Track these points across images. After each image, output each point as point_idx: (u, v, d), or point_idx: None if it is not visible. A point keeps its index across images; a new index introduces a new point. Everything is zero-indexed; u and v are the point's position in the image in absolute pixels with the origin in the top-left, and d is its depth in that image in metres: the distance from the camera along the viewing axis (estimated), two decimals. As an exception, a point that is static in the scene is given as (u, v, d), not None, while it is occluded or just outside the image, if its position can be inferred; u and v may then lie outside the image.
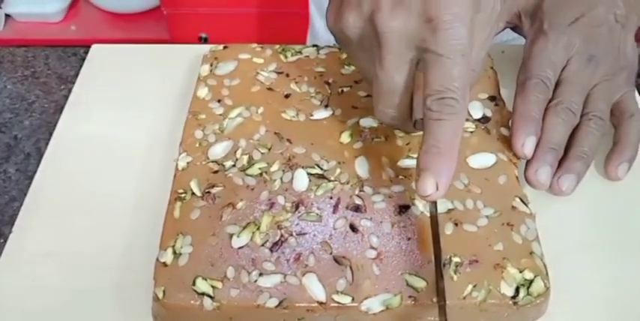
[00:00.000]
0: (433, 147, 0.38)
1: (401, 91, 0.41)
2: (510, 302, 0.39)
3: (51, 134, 0.52)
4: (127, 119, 0.53)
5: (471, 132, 0.47)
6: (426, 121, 0.38)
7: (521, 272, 0.40)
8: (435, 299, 0.39)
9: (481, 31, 0.41)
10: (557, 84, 0.49)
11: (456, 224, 0.42)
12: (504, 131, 0.48)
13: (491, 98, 0.50)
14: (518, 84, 0.49)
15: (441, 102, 0.38)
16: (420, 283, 0.39)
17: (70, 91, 0.56)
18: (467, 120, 0.48)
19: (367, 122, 0.48)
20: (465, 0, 0.38)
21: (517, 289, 0.39)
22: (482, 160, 0.46)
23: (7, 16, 1.49)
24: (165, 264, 0.40)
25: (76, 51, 0.62)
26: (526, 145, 0.46)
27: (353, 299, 0.39)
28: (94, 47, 0.59)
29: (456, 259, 0.40)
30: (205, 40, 1.35)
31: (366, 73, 0.43)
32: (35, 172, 0.50)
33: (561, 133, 0.47)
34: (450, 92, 0.38)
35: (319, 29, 0.80)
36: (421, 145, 0.39)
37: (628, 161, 0.48)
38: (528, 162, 0.46)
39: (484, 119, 0.49)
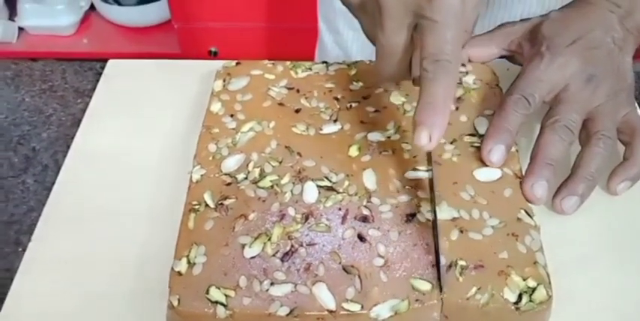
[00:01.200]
0: (428, 104, 0.42)
1: (400, 52, 0.45)
2: (513, 307, 0.40)
3: (68, 146, 0.54)
4: (143, 132, 0.55)
5: (478, 147, 0.49)
6: (422, 80, 0.43)
7: (524, 280, 0.41)
8: (439, 297, 0.40)
9: None
10: (556, 103, 0.50)
11: (461, 231, 0.43)
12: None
13: (497, 114, 0.52)
14: (501, 101, 0.50)
15: (435, 64, 0.42)
16: (426, 286, 0.40)
17: (86, 104, 0.58)
18: (473, 135, 0.49)
19: (375, 136, 0.49)
20: None
21: (520, 296, 0.41)
22: (488, 173, 0.47)
23: (20, 29, 1.53)
24: (179, 273, 0.41)
25: (92, 65, 0.64)
26: (493, 152, 0.47)
27: (362, 307, 0.40)
28: (111, 62, 0.61)
29: (461, 263, 0.41)
30: (215, 54, 1.37)
31: (370, 35, 0.47)
32: (53, 183, 0.51)
33: (558, 150, 0.48)
34: (443, 55, 0.42)
35: (327, 44, 0.82)
36: (417, 101, 0.42)
37: (632, 179, 0.49)
38: (525, 176, 0.47)
39: (490, 135, 0.50)
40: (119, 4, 1.51)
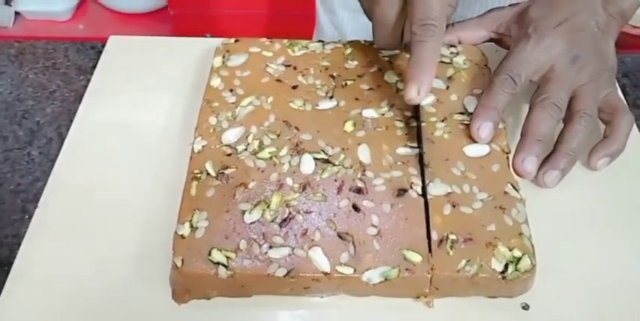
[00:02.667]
0: (417, 62, 0.48)
1: (393, 22, 0.51)
2: (499, 277, 0.43)
3: (71, 121, 0.56)
4: (144, 106, 0.56)
5: (467, 124, 0.50)
6: (412, 43, 0.48)
7: (510, 250, 0.43)
8: (429, 269, 0.42)
9: None
10: (544, 82, 0.52)
11: (454, 206, 0.45)
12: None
13: (486, 94, 0.54)
14: (489, 81, 0.52)
15: (423, 27, 0.47)
16: (416, 258, 0.43)
17: (88, 81, 0.60)
18: (462, 114, 0.51)
19: (369, 113, 0.51)
20: None
21: (506, 266, 0.43)
22: (477, 149, 0.49)
23: (17, 13, 1.53)
24: (182, 236, 0.43)
25: (94, 44, 0.66)
26: (481, 129, 0.49)
27: (355, 271, 0.42)
28: (112, 38, 0.62)
29: (452, 237, 0.44)
30: (210, 40, 1.39)
31: (367, 10, 0.52)
32: (57, 155, 0.53)
33: (548, 127, 0.50)
34: (430, 20, 0.47)
35: (324, 25, 0.83)
36: (408, 61, 0.48)
37: (611, 156, 0.52)
38: (516, 152, 0.49)
39: (479, 113, 0.52)
40: (115, -11, 1.51)
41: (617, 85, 0.54)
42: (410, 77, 0.47)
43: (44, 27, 1.51)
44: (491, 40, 0.58)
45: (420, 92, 0.47)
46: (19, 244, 0.47)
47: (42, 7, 1.49)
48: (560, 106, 0.50)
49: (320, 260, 0.42)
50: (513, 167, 0.49)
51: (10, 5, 1.51)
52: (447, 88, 0.53)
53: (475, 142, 0.50)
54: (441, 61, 0.55)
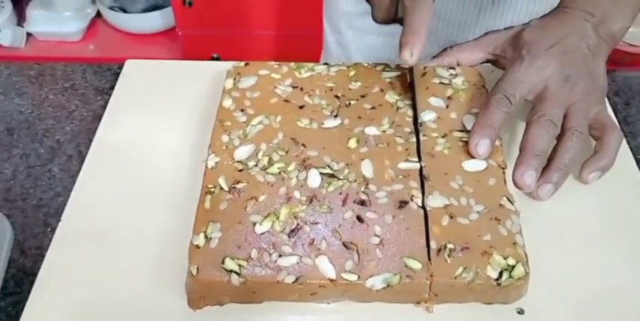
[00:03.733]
0: (409, 30, 0.53)
1: (387, 1, 0.56)
2: (494, 283, 0.45)
3: (90, 139, 0.59)
4: (160, 126, 0.60)
5: (466, 141, 0.53)
6: (403, 15, 0.54)
7: (505, 259, 0.46)
8: (429, 276, 0.45)
9: None
10: (539, 101, 0.54)
11: (451, 217, 0.48)
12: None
13: (483, 112, 0.56)
14: (485, 100, 0.55)
15: (412, 0, 0.53)
16: (417, 265, 0.45)
17: (105, 101, 0.63)
18: (461, 131, 0.54)
19: (371, 130, 0.54)
20: None
21: (501, 273, 0.46)
22: (475, 164, 0.52)
23: (29, 34, 1.57)
24: (198, 246, 0.46)
25: (110, 66, 0.69)
26: (479, 145, 0.52)
27: (359, 277, 0.45)
28: (128, 62, 0.66)
29: (450, 246, 0.46)
30: (217, 60, 1.42)
31: None
32: (77, 171, 0.56)
33: (544, 142, 0.53)
34: None
35: (330, 44, 0.87)
36: (402, 30, 0.54)
37: (602, 170, 0.55)
38: (516, 167, 0.52)
39: (476, 130, 0.55)
40: (125, 11, 1.55)
41: (607, 103, 0.57)
42: (403, 43, 0.53)
43: (55, 47, 1.55)
44: (488, 61, 0.61)
45: (413, 54, 0.53)
46: (43, 256, 0.50)
47: (53, 28, 1.54)
48: (556, 122, 0.53)
49: (326, 268, 0.45)
50: (513, 181, 0.52)
51: (22, 26, 1.55)
52: (447, 106, 0.56)
53: (473, 157, 0.52)
54: (441, 82, 0.58)
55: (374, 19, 0.58)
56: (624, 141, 0.57)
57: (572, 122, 0.54)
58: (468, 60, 0.60)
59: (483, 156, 0.52)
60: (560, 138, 0.54)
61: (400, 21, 0.56)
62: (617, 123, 0.56)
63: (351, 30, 0.84)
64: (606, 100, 0.57)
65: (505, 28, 0.60)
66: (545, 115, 0.53)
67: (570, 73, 0.54)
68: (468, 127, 0.54)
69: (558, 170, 0.52)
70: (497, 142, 0.53)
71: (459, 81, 0.59)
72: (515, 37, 0.58)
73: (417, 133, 0.54)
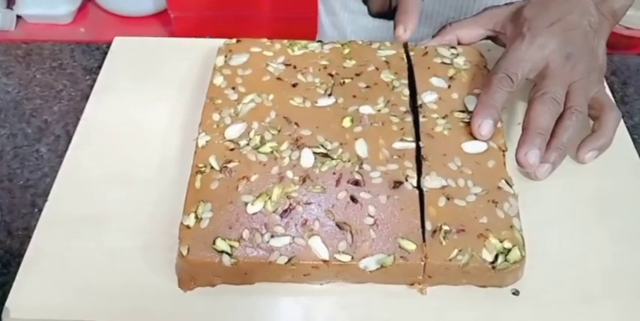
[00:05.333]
0: (402, 10, 0.57)
1: None
2: (489, 266, 0.45)
3: (78, 119, 0.58)
4: (148, 104, 0.58)
5: (467, 122, 0.52)
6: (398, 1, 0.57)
7: (501, 242, 0.45)
8: (423, 257, 0.44)
9: None
10: (541, 79, 0.53)
11: (448, 198, 0.47)
12: (496, 123, 0.53)
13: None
14: (487, 79, 0.54)
15: None
16: (411, 246, 0.45)
17: (94, 81, 0.62)
18: (463, 112, 0.53)
19: (366, 109, 0.53)
20: None
21: (496, 256, 0.45)
22: (475, 146, 0.51)
23: (19, 17, 1.55)
24: (188, 226, 0.45)
25: (99, 46, 0.68)
26: (482, 126, 0.51)
27: (352, 258, 0.44)
28: (117, 39, 0.64)
29: (445, 227, 0.46)
30: (210, 42, 1.40)
31: None
32: (64, 151, 0.55)
33: (547, 120, 0.52)
34: None
35: (325, 25, 0.85)
36: (397, 11, 0.57)
37: (599, 149, 0.54)
38: (519, 145, 0.51)
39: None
40: (116, -7, 1.53)
41: (605, 83, 0.56)
42: (397, 21, 0.57)
43: (46, 30, 1.53)
44: (487, 37, 0.60)
45: (407, 30, 0.57)
46: (30, 237, 0.49)
47: (43, 11, 1.52)
48: (559, 100, 0.52)
49: (319, 248, 0.44)
50: (517, 160, 0.51)
51: (11, 9, 1.53)
52: (449, 87, 0.55)
53: (474, 139, 0.51)
54: (443, 62, 0.57)
55: (370, 12, 0.61)
56: (622, 121, 0.56)
57: (573, 101, 0.53)
58: (467, 37, 0.59)
59: (486, 137, 0.51)
60: (559, 117, 0.53)
61: (393, 15, 0.58)
62: (614, 103, 0.56)
63: (346, 11, 0.82)
64: (604, 79, 0.57)
65: (505, 4, 0.59)
66: (548, 92, 0.52)
67: (572, 50, 0.53)
68: (470, 108, 0.53)
69: (556, 150, 0.52)
70: (499, 124, 0.52)
71: (460, 61, 0.57)
72: (516, 13, 0.57)
73: (415, 112, 0.53)
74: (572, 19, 0.55)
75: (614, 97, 0.60)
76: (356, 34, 0.82)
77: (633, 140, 0.57)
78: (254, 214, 0.46)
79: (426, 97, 0.54)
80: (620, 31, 1.34)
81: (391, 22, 0.55)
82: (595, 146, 0.54)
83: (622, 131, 0.57)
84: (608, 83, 0.61)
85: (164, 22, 1.51)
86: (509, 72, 0.53)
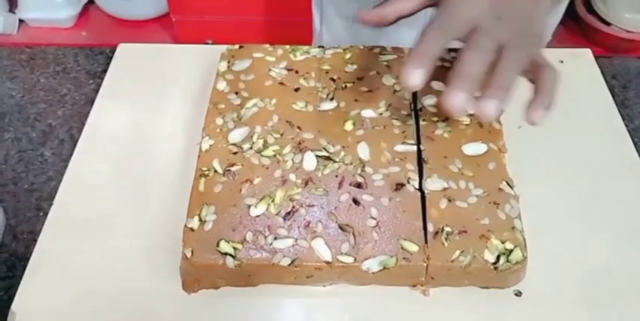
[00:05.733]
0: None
1: None
2: (491, 267, 0.45)
3: (82, 123, 0.58)
4: (152, 109, 0.59)
5: (467, 125, 0.53)
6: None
7: (503, 243, 0.46)
8: (424, 260, 0.45)
9: None
10: (471, 34, 0.50)
11: (450, 200, 0.48)
12: (496, 125, 0.53)
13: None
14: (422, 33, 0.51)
15: None
16: (413, 247, 0.45)
17: (98, 85, 0.63)
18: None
19: (368, 113, 0.54)
20: None
21: (498, 257, 0.45)
22: (475, 148, 0.51)
23: (21, 21, 1.55)
24: (192, 229, 0.45)
25: (103, 50, 0.68)
26: (414, 75, 0.48)
27: (355, 260, 0.45)
28: (121, 46, 0.65)
29: (447, 229, 0.46)
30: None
31: None
32: (69, 155, 0.56)
33: (476, 67, 0.48)
34: None
35: (320, 32, 0.86)
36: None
37: (546, 107, 0.50)
38: (445, 91, 0.48)
39: (478, 114, 0.54)
40: (117, -3, 1.53)
41: (543, 49, 0.53)
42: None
43: (48, 34, 1.53)
44: (429, 6, 0.56)
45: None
46: (35, 240, 0.50)
47: (45, 15, 1.52)
48: (488, 50, 0.49)
49: (322, 250, 0.45)
50: (443, 106, 0.48)
51: (14, 13, 1.54)
52: None
53: (474, 141, 0.51)
54: (442, 66, 0.57)
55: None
56: (622, 124, 0.57)
57: (506, 54, 0.50)
58: (408, 8, 0.56)
59: (416, 87, 0.48)
60: (495, 67, 0.49)
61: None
62: (551, 62, 0.52)
63: (340, 18, 0.82)
64: (544, 46, 0.54)
65: None
66: (478, 43, 0.49)
67: (503, 11, 0.51)
68: (470, 111, 0.53)
69: (499, 88, 0.48)
70: (498, 126, 0.53)
71: None
72: None
73: (416, 116, 0.53)
74: None
75: (615, 100, 0.61)
76: (352, 40, 0.81)
77: (634, 143, 0.57)
78: (257, 216, 0.46)
79: (426, 101, 0.54)
80: (620, 34, 1.34)
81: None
82: (542, 104, 0.50)
83: (623, 134, 0.57)
84: (608, 87, 0.62)
85: (165, 26, 1.51)
86: (442, 24, 0.50)
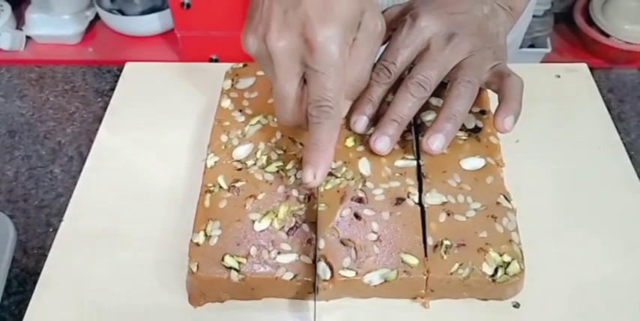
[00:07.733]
0: (313, 145, 0.47)
1: (292, 98, 0.48)
2: (490, 279, 0.46)
3: (91, 140, 0.60)
4: (159, 126, 0.61)
5: (465, 140, 0.54)
6: (309, 124, 0.47)
7: (500, 256, 0.47)
8: (424, 273, 0.46)
9: (363, 47, 0.48)
10: (417, 62, 0.51)
11: (448, 214, 0.49)
12: (493, 140, 0.54)
13: (482, 112, 0.56)
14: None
15: (318, 109, 0.46)
16: (413, 261, 0.46)
17: (105, 103, 0.64)
18: (461, 130, 0.54)
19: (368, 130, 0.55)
20: (339, 24, 0.45)
21: (496, 269, 0.46)
22: (473, 163, 0.52)
23: (28, 38, 1.58)
24: (198, 244, 0.47)
25: (110, 68, 0.70)
26: (357, 122, 0.52)
27: (357, 274, 0.46)
28: (128, 65, 0.67)
29: (446, 242, 0.47)
30: (216, 61, 1.43)
31: (271, 83, 0.49)
32: (78, 172, 0.57)
33: (406, 106, 0.50)
34: (325, 101, 0.46)
35: None
36: (306, 143, 0.47)
37: (514, 114, 0.51)
38: (373, 132, 0.51)
39: (476, 129, 0.55)
40: (123, 13, 1.55)
41: (506, 60, 0.54)
42: (306, 160, 0.47)
43: (54, 50, 1.56)
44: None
45: (317, 176, 0.46)
46: (45, 255, 0.51)
47: (52, 31, 1.54)
48: (425, 84, 0.50)
49: (324, 265, 0.46)
50: (369, 144, 0.51)
51: (21, 29, 1.56)
52: None
53: (472, 156, 0.52)
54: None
55: (277, 117, 0.51)
56: (619, 137, 0.58)
57: (458, 73, 0.51)
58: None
59: (360, 131, 0.52)
60: (447, 90, 0.51)
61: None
62: (512, 70, 0.53)
63: None
64: (506, 58, 0.55)
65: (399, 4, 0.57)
66: (414, 76, 0.50)
67: (456, 30, 0.51)
68: (468, 126, 0.55)
69: (448, 119, 0.49)
70: (495, 141, 0.54)
71: None
72: (407, 7, 0.55)
73: (416, 131, 0.55)
74: (461, 6, 0.53)
75: (611, 114, 0.62)
76: None
77: (630, 156, 0.58)
78: (261, 231, 0.47)
79: (425, 117, 0.55)
80: (620, 45, 1.35)
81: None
82: (509, 111, 0.50)
83: (619, 147, 0.58)
84: (605, 100, 0.63)
85: (171, 42, 1.53)
86: (386, 63, 0.52)
